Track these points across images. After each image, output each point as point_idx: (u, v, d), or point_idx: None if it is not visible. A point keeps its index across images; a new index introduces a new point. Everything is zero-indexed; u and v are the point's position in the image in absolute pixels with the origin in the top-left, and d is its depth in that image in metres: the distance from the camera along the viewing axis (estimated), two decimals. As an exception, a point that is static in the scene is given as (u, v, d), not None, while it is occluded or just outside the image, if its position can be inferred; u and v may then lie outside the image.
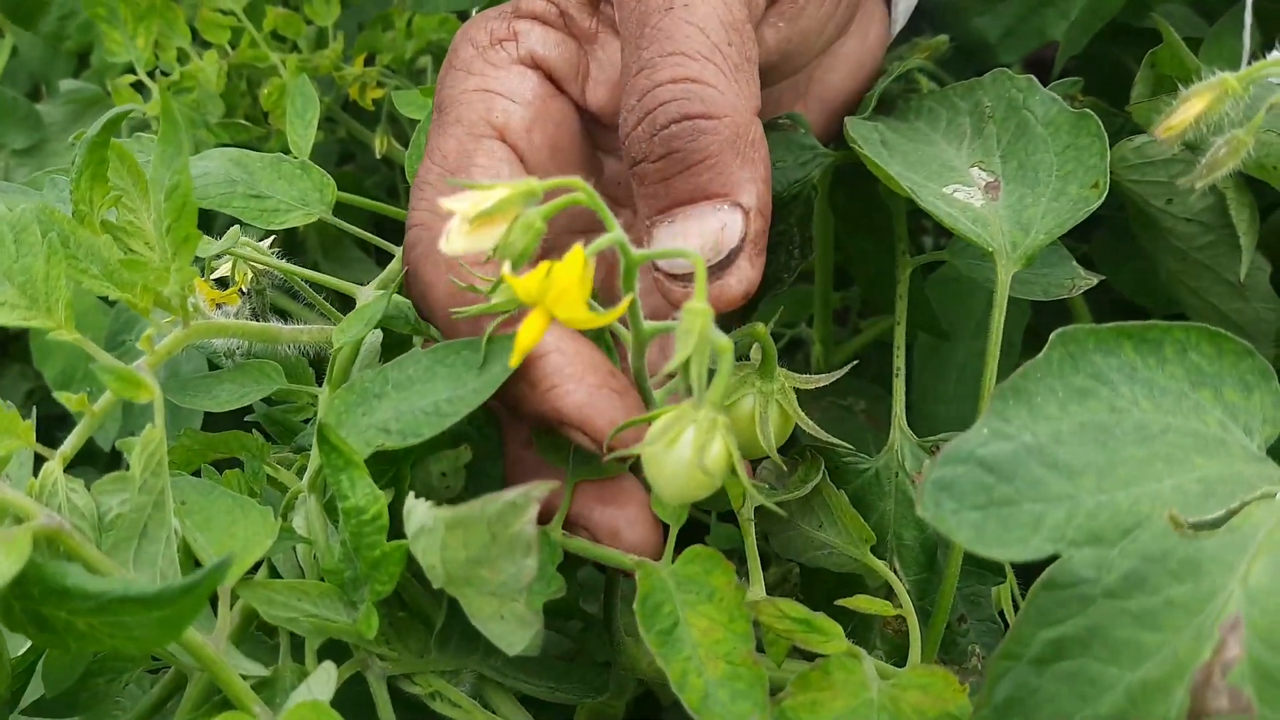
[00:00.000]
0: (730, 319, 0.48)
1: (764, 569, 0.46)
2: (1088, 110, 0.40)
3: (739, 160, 0.36)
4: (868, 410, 0.59)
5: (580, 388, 0.34)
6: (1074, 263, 0.43)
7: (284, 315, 0.51)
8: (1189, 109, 0.28)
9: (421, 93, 0.55)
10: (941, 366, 0.54)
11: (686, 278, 0.36)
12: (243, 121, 0.65)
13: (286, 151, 0.56)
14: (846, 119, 0.43)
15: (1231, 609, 0.25)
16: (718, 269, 0.36)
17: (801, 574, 0.43)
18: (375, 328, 0.39)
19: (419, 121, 0.52)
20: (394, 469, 0.36)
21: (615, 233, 0.31)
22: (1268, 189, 0.42)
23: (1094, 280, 0.42)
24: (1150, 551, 0.26)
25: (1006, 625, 0.40)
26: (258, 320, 0.47)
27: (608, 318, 0.31)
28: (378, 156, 0.67)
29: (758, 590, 0.35)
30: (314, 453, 0.37)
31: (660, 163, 0.35)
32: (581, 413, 0.34)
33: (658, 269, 0.36)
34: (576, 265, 0.30)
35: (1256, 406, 0.30)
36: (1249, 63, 0.55)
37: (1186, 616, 0.25)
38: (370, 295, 0.43)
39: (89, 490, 0.30)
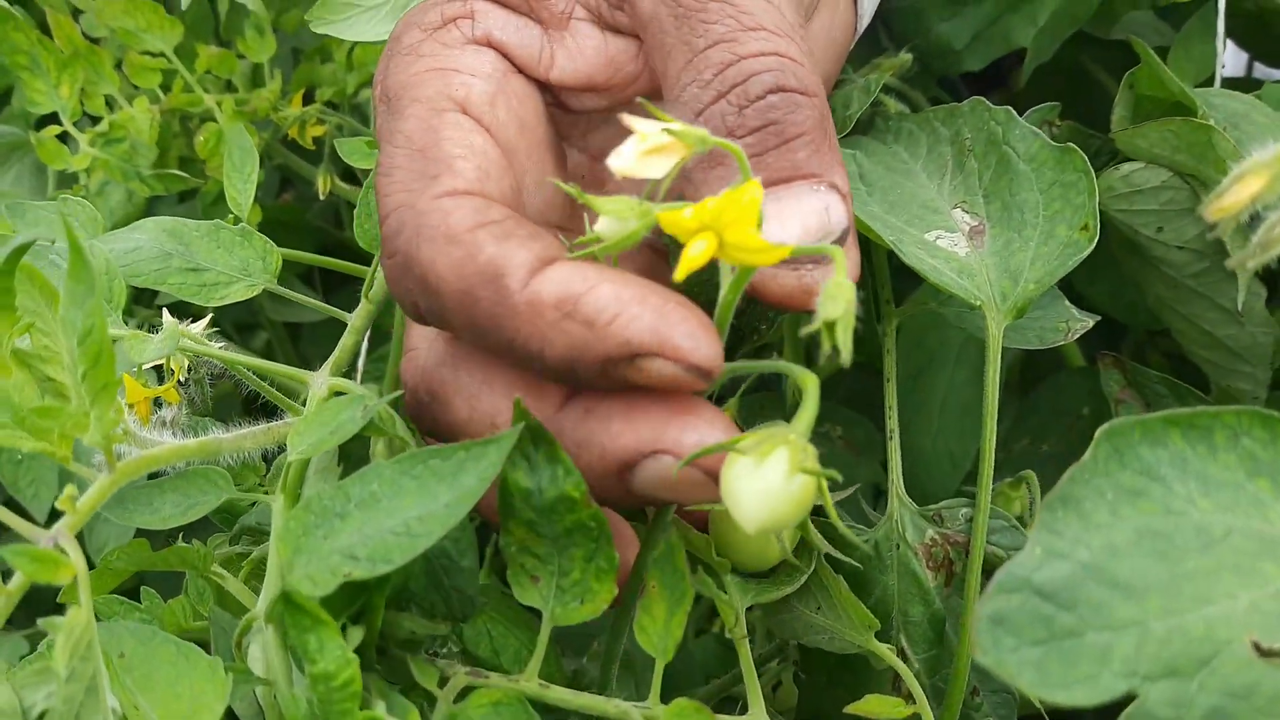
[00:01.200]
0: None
1: (759, 643, 0.42)
2: (1072, 145, 0.36)
3: (829, 142, 0.32)
4: (845, 436, 0.55)
5: (646, 309, 0.29)
6: (1066, 302, 0.39)
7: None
8: (1244, 188, 0.24)
9: (367, 143, 0.49)
10: (923, 398, 0.50)
11: (793, 261, 0.30)
12: (177, 172, 0.59)
13: (225, 200, 0.50)
14: None
15: (1341, 763, 0.21)
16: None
17: (800, 649, 0.39)
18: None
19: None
20: (364, 599, 0.31)
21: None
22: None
23: (1090, 322, 0.38)
24: (1233, 685, 0.23)
25: (1015, 695, 0.36)
26: (196, 406, 0.42)
27: (782, 251, 0.26)
28: (321, 197, 0.61)
29: (758, 714, 0.31)
30: (269, 576, 0.32)
31: (755, 136, 0.31)
32: (657, 333, 0.28)
33: None
34: (753, 190, 0.26)
35: (1316, 493, 0.26)
36: (1222, 69, 0.52)
37: (1285, 765, 0.22)
38: (322, 384, 0.38)
39: (7, 684, 0.25)
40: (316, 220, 0.73)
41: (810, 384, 0.27)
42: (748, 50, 0.31)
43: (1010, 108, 0.39)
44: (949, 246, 0.36)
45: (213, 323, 0.44)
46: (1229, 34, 0.58)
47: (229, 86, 0.60)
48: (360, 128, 0.60)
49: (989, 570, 0.35)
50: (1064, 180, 0.36)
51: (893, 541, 0.36)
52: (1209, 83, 0.52)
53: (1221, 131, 0.38)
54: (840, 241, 0.30)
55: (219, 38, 0.63)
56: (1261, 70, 0.63)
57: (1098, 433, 0.26)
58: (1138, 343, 0.56)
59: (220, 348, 0.40)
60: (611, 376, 0.29)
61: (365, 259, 0.44)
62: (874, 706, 0.32)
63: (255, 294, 0.43)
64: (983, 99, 0.39)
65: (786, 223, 0.30)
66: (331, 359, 0.40)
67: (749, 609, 0.34)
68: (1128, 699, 0.23)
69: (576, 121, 0.38)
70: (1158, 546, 0.24)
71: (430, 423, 0.34)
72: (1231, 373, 0.44)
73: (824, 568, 0.34)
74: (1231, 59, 0.65)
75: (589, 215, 0.30)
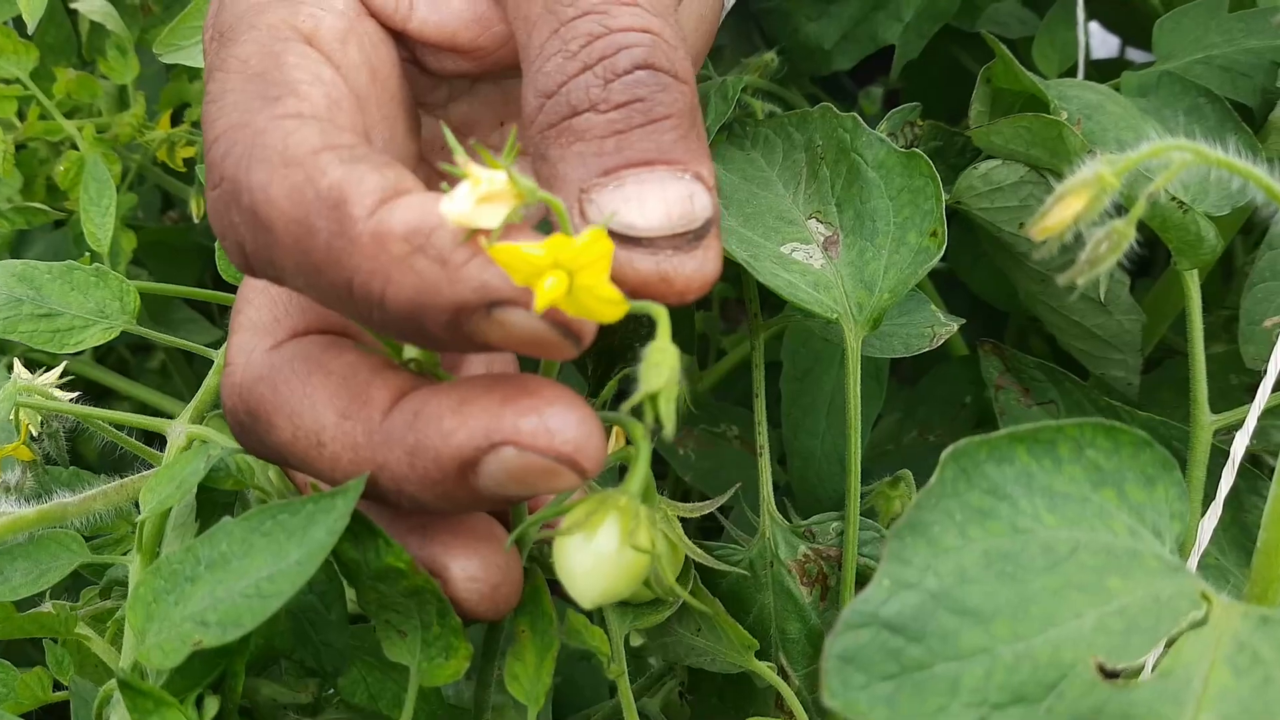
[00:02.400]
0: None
1: (646, 667, 0.41)
2: (917, 151, 0.36)
3: (697, 131, 0.29)
4: (741, 436, 0.54)
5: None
6: (931, 307, 0.38)
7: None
8: (1066, 208, 0.24)
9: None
10: (810, 398, 0.49)
11: (646, 243, 0.27)
12: (38, 205, 0.56)
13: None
14: None
15: (1181, 786, 0.21)
16: (692, 240, 0.28)
17: (688, 669, 0.38)
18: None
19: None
20: (224, 664, 0.29)
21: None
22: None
23: (954, 326, 0.37)
24: (1080, 710, 0.22)
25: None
26: (53, 463, 0.40)
27: (624, 306, 0.25)
28: (195, 220, 0.58)
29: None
30: (125, 645, 0.30)
31: (617, 112, 0.28)
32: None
33: (612, 234, 0.27)
34: (607, 246, 0.24)
35: (1161, 500, 0.26)
36: (1085, 56, 0.52)
37: (1129, 790, 0.21)
38: (181, 433, 0.36)
39: None
40: (203, 239, 0.70)
41: (641, 442, 0.25)
42: (619, 24, 0.29)
43: (855, 114, 0.38)
44: (804, 259, 0.35)
45: (106, 348, 0.41)
46: (1098, 19, 0.59)
47: (93, 111, 0.57)
48: (232, 149, 0.57)
49: (861, 581, 0.34)
50: (912, 186, 0.35)
51: (766, 559, 0.35)
52: (1074, 70, 0.52)
53: (1071, 126, 0.38)
54: (703, 234, 0.28)
55: (82, 59, 0.60)
56: (1134, 52, 0.64)
57: (944, 454, 0.25)
58: (1020, 328, 0.56)
59: (73, 399, 0.38)
60: (462, 330, 0.26)
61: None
62: (754, 732, 0.31)
63: (113, 337, 0.40)
64: (830, 105, 0.38)
65: (647, 206, 0.27)
66: (193, 404, 0.38)
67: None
68: (978, 729, 0.22)
69: (436, 87, 0.35)
70: (1006, 568, 0.24)
71: (256, 446, 0.31)
72: (1104, 361, 0.45)
73: (700, 591, 0.33)
74: (1105, 43, 0.66)
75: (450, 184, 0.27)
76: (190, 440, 0.36)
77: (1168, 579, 0.24)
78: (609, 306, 0.25)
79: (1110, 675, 0.22)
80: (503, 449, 0.26)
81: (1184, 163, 0.24)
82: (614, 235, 0.27)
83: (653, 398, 0.24)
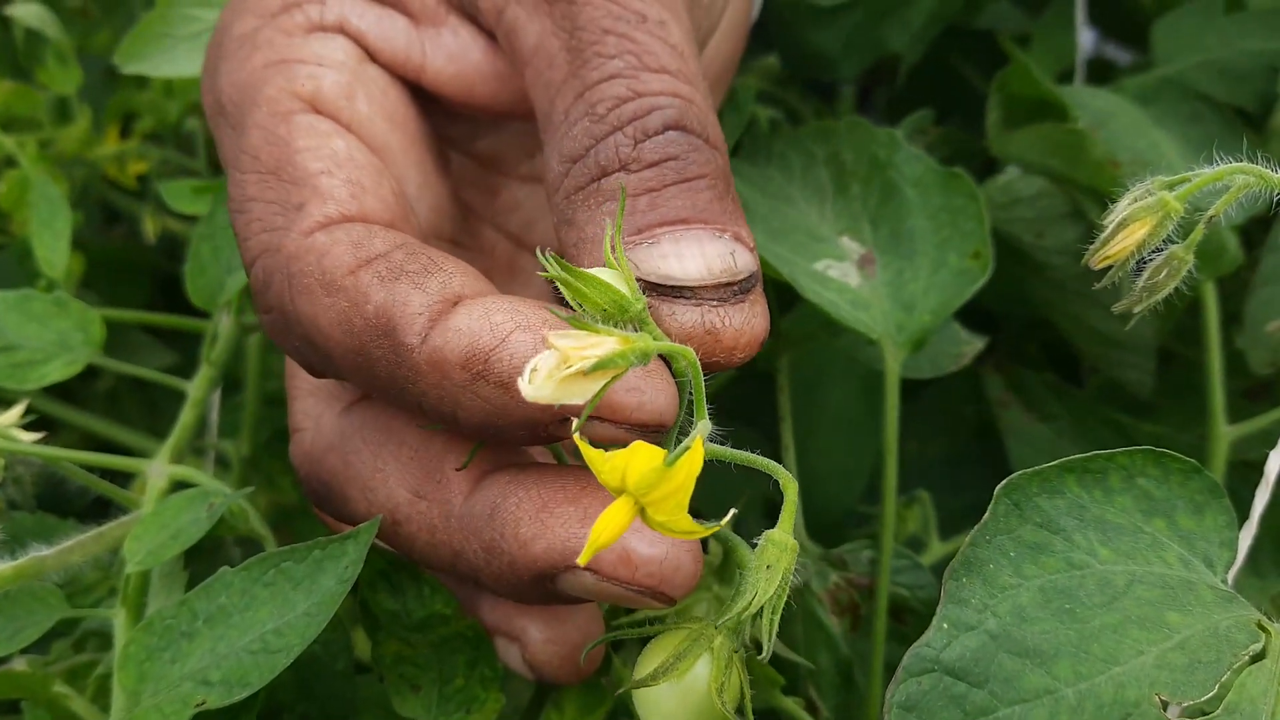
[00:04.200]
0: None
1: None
2: (958, 170, 0.36)
3: (732, 194, 0.28)
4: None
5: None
6: (956, 326, 0.39)
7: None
8: (1129, 236, 0.24)
9: (193, 189, 0.45)
10: (817, 415, 0.50)
11: (688, 293, 0.26)
12: (-24, 228, 0.54)
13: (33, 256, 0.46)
14: None
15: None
16: (738, 292, 0.27)
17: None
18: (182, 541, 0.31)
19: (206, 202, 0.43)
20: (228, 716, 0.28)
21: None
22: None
23: (980, 344, 0.38)
24: (1148, 751, 0.23)
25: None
26: (18, 510, 0.38)
27: (710, 529, 0.23)
28: (151, 240, 0.57)
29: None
30: (115, 707, 0.29)
31: (650, 170, 0.27)
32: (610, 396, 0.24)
33: (650, 286, 0.26)
34: (696, 462, 0.23)
35: (1211, 528, 0.26)
36: (1082, 58, 0.53)
37: (1205, 834, 0.22)
38: (161, 473, 0.35)
39: None
40: (153, 257, 0.68)
41: (790, 489, 0.25)
42: (649, 88, 0.28)
43: (893, 130, 0.38)
44: (840, 277, 0.35)
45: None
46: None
47: (33, 124, 0.55)
48: (188, 162, 0.56)
49: (894, 611, 0.35)
50: (952, 205, 0.35)
51: (796, 590, 0.35)
52: (1070, 73, 0.53)
53: (1091, 134, 0.38)
54: (749, 287, 0.27)
55: (18, 69, 0.58)
56: (1114, 50, 0.65)
57: (997, 489, 0.25)
58: (1016, 333, 0.57)
59: (38, 440, 0.36)
60: (543, 438, 0.26)
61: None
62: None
63: (77, 371, 0.39)
64: (861, 120, 0.39)
65: (685, 260, 0.26)
66: (170, 442, 0.37)
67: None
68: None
69: (458, 121, 0.34)
70: (1064, 605, 0.24)
71: (334, 515, 0.30)
72: (1118, 363, 0.46)
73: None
74: (1080, 37, 0.67)
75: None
76: (172, 483, 0.35)
77: (1224, 610, 0.25)
78: (693, 533, 0.23)
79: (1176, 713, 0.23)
80: (580, 573, 0.25)
81: (1246, 185, 0.25)
82: (652, 288, 0.26)
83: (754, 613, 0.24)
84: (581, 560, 0.23)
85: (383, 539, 0.28)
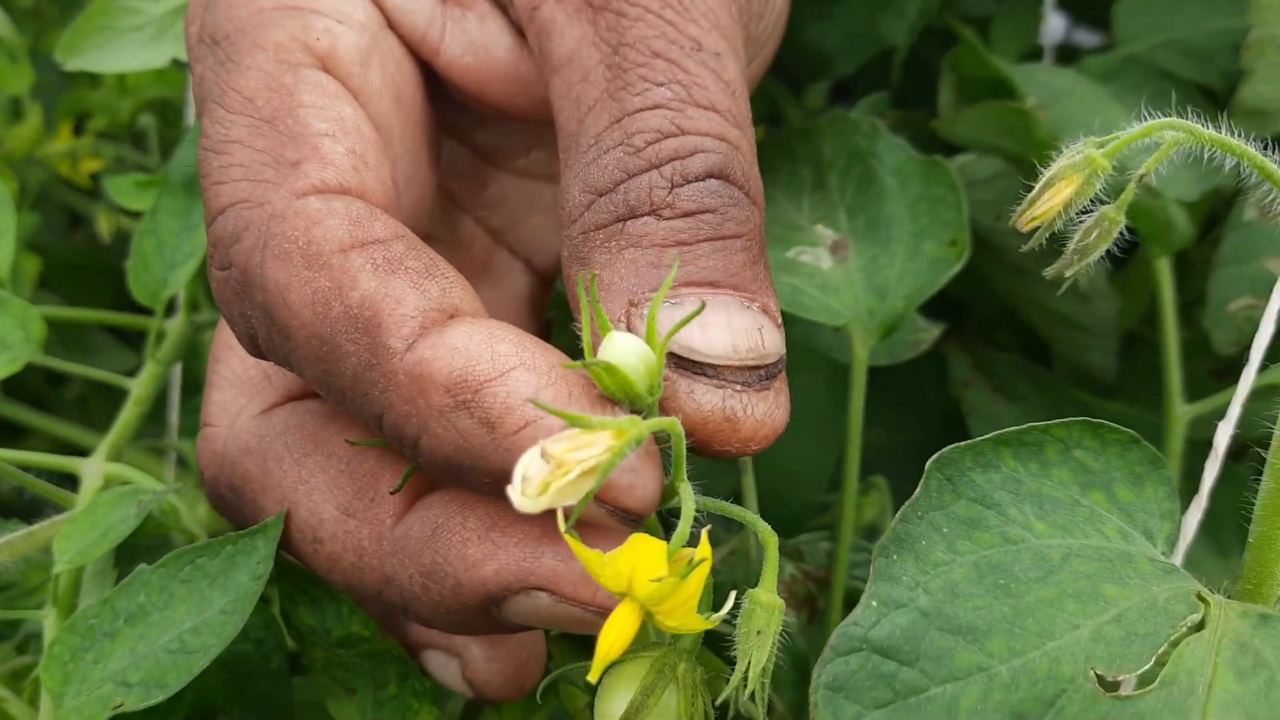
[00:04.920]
0: None
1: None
2: (939, 159, 0.36)
3: (765, 260, 0.26)
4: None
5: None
6: (914, 313, 0.38)
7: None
8: (1055, 195, 0.24)
9: (137, 182, 0.45)
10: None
11: (711, 372, 0.24)
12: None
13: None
14: None
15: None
16: (763, 378, 0.24)
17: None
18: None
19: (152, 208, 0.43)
20: None
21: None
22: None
23: (937, 331, 0.38)
24: (1082, 727, 0.22)
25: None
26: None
27: (713, 622, 0.22)
28: (106, 239, 0.56)
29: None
30: (43, 708, 0.29)
31: (684, 221, 0.25)
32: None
33: (671, 356, 0.24)
34: (706, 569, 0.22)
35: (1151, 500, 0.26)
36: (1048, 39, 0.52)
37: (1139, 810, 0.21)
38: (96, 473, 0.34)
39: None
40: (115, 260, 0.67)
41: (770, 544, 0.24)
42: (694, 126, 0.25)
43: (874, 118, 0.38)
44: (811, 261, 0.35)
45: (17, 380, 0.39)
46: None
47: (-16, 124, 0.55)
48: (142, 159, 0.55)
49: (851, 604, 0.34)
50: (931, 195, 0.35)
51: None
52: (1033, 54, 0.53)
53: (1036, 113, 0.38)
54: (774, 372, 0.25)
55: (-31, 68, 0.58)
56: (1083, 34, 0.65)
57: (929, 464, 0.25)
58: (985, 319, 0.57)
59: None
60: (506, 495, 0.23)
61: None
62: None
63: (17, 369, 0.39)
64: (844, 112, 0.38)
65: (711, 332, 0.24)
66: (107, 440, 0.37)
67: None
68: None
69: (461, 109, 0.31)
70: (998, 581, 0.24)
71: (240, 524, 0.28)
72: (1081, 347, 0.45)
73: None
74: (1051, 24, 0.67)
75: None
76: (107, 481, 0.35)
77: (1163, 582, 0.24)
78: (698, 627, 0.23)
79: (1109, 687, 0.22)
80: (536, 594, 0.24)
81: (1176, 141, 0.24)
82: (671, 357, 0.24)
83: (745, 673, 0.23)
84: (592, 676, 0.21)
85: (297, 557, 0.27)
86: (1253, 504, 0.26)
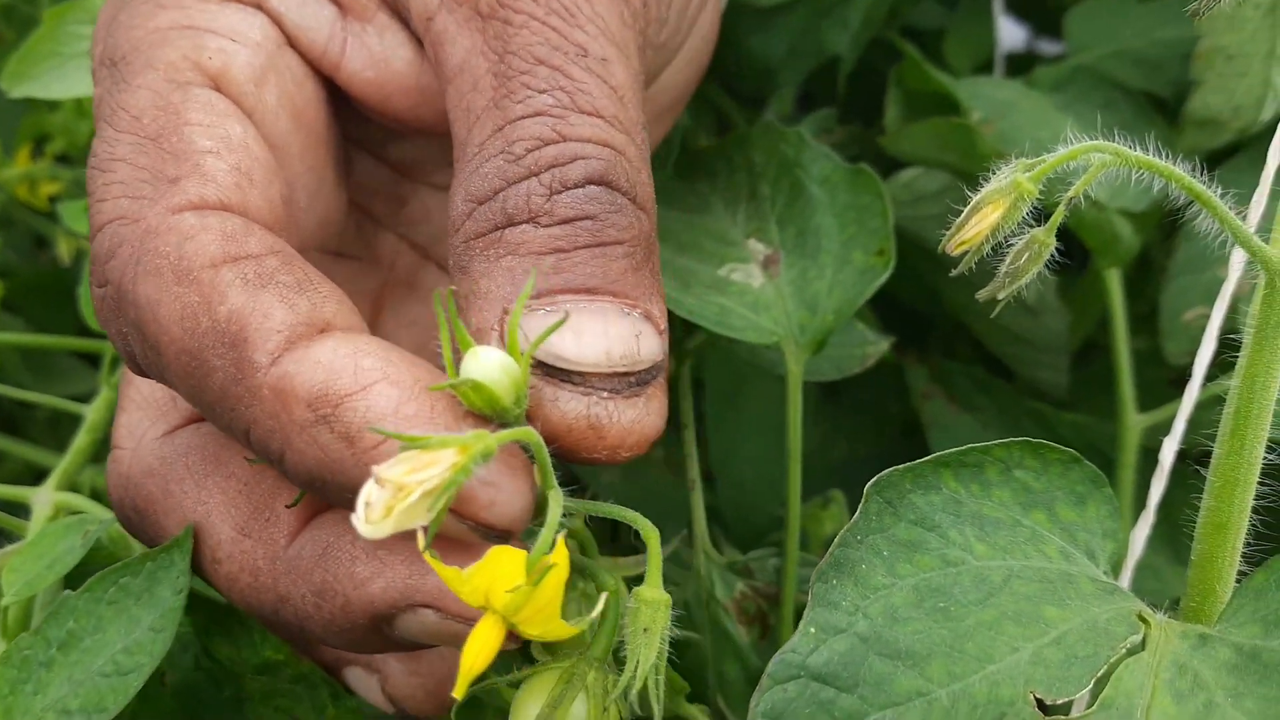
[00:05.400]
0: None
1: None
2: (864, 167, 0.35)
3: (651, 267, 0.26)
4: (665, 458, 0.54)
5: (433, 434, 0.22)
6: (860, 326, 0.38)
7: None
8: (982, 219, 0.24)
9: (86, 209, 0.44)
10: (738, 422, 0.49)
11: (578, 380, 0.24)
12: (-120, 253, 0.53)
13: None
14: None
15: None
16: (634, 385, 0.24)
17: None
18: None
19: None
20: None
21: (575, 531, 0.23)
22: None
23: (885, 344, 0.37)
24: (1021, 751, 0.22)
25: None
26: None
27: (581, 626, 0.22)
28: (65, 263, 0.56)
29: None
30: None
31: (560, 228, 0.25)
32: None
33: (537, 364, 0.24)
34: (562, 573, 0.21)
35: (1094, 519, 0.26)
36: (1001, 49, 0.52)
37: (1077, 836, 0.21)
38: (46, 501, 0.34)
39: None
40: (83, 279, 0.67)
41: (652, 539, 0.24)
42: (576, 133, 0.25)
43: (801, 129, 0.37)
44: (743, 279, 0.34)
45: None
46: (1008, 9, 0.60)
47: (-61, 147, 0.54)
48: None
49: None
50: (859, 204, 0.35)
51: (702, 600, 0.34)
52: (988, 65, 0.53)
53: (979, 128, 0.38)
54: (647, 379, 0.25)
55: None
56: (1045, 44, 0.65)
57: (868, 487, 0.25)
58: (946, 332, 0.57)
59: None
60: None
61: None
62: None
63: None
64: (772, 121, 0.38)
65: (584, 338, 0.24)
66: (60, 468, 0.36)
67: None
68: (917, 781, 0.22)
69: (371, 124, 0.30)
70: (938, 604, 0.23)
71: (145, 542, 0.28)
72: (1032, 364, 0.45)
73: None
74: (1012, 35, 0.67)
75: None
76: (57, 510, 0.34)
77: (1104, 603, 0.24)
78: (564, 633, 0.23)
79: (1049, 712, 0.22)
80: (422, 611, 0.23)
81: (1104, 164, 0.24)
82: (539, 365, 0.24)
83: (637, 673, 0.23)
84: (457, 693, 0.21)
85: (202, 577, 0.27)
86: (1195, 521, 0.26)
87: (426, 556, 0.21)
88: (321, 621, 0.24)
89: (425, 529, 0.21)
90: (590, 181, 0.25)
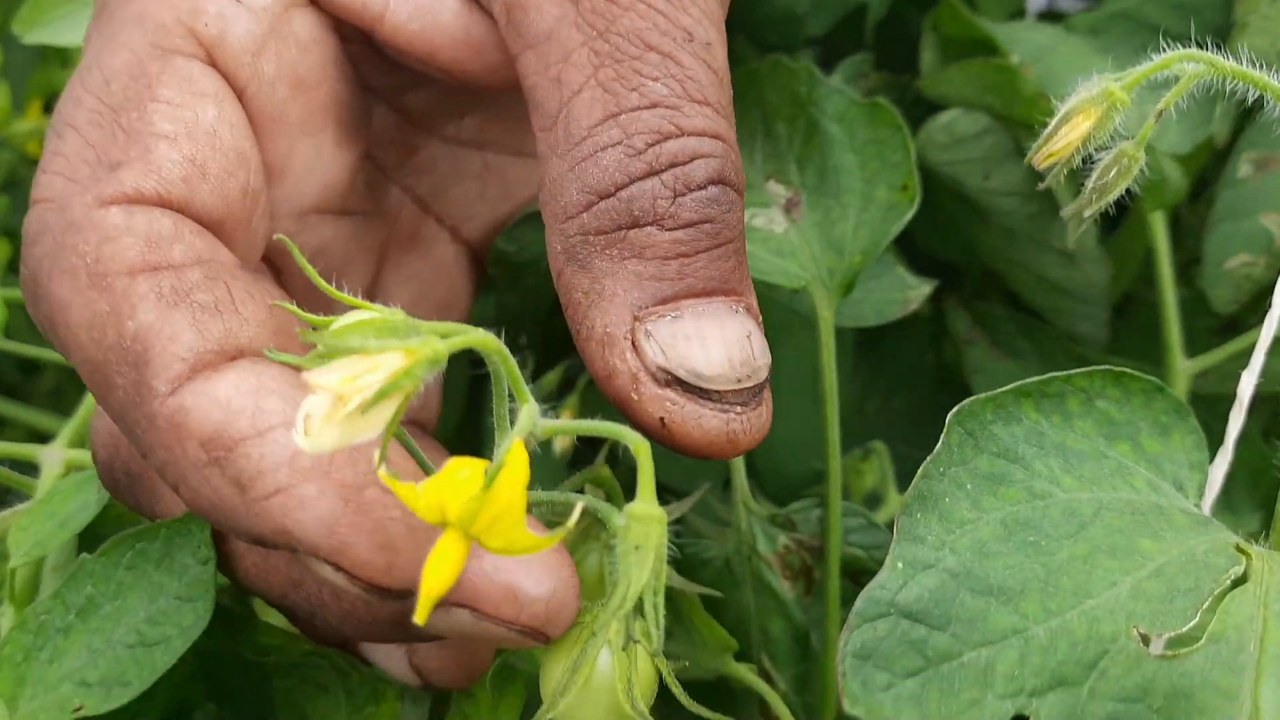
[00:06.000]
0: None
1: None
2: (880, 100, 0.34)
3: (744, 257, 0.26)
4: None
5: (326, 491, 0.21)
6: (899, 269, 0.37)
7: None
8: (1073, 130, 0.22)
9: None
10: (775, 376, 0.47)
11: (714, 398, 0.24)
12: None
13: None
14: None
15: (1253, 765, 0.19)
16: (756, 395, 0.25)
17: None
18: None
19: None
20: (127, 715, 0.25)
21: (532, 418, 0.21)
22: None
23: (928, 288, 0.36)
24: (1127, 688, 0.20)
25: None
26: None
27: (556, 537, 0.20)
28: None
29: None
30: None
31: (686, 232, 0.25)
32: (332, 535, 0.21)
33: (676, 381, 0.24)
34: (519, 475, 0.20)
35: (1179, 450, 0.24)
36: (1033, 6, 0.51)
37: (1192, 773, 0.20)
38: (58, 459, 0.32)
39: None
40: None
41: (642, 452, 0.22)
42: (692, 125, 0.25)
43: (811, 64, 0.36)
44: (765, 225, 0.33)
45: None
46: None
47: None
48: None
49: (851, 573, 0.32)
50: (878, 138, 0.33)
51: (743, 554, 0.33)
52: (1020, 15, 0.51)
53: (1021, 70, 0.36)
54: (762, 387, 0.25)
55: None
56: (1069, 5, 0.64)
57: (949, 418, 0.23)
58: (977, 286, 0.56)
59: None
60: (272, 548, 0.22)
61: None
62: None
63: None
64: (781, 58, 0.36)
65: (709, 348, 0.24)
66: (70, 425, 0.34)
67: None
68: (1017, 722, 0.20)
69: (392, 70, 0.29)
70: (1028, 538, 0.22)
71: (135, 508, 0.26)
72: (1071, 315, 0.44)
73: (679, 587, 0.31)
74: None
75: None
76: (69, 467, 0.32)
77: (1199, 535, 0.22)
78: (535, 547, 0.21)
79: (1157, 651, 0.21)
80: (455, 610, 0.22)
81: (1196, 75, 0.23)
82: (679, 385, 0.24)
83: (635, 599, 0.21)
84: (419, 619, 0.20)
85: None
86: (1272, 460, 0.24)
87: (380, 475, 0.20)
88: (339, 612, 0.23)
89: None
90: (710, 182, 0.25)
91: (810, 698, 0.33)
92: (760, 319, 0.26)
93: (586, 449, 0.34)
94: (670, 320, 0.24)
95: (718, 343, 0.24)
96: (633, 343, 0.24)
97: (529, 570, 0.22)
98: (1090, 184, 0.23)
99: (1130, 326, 0.45)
